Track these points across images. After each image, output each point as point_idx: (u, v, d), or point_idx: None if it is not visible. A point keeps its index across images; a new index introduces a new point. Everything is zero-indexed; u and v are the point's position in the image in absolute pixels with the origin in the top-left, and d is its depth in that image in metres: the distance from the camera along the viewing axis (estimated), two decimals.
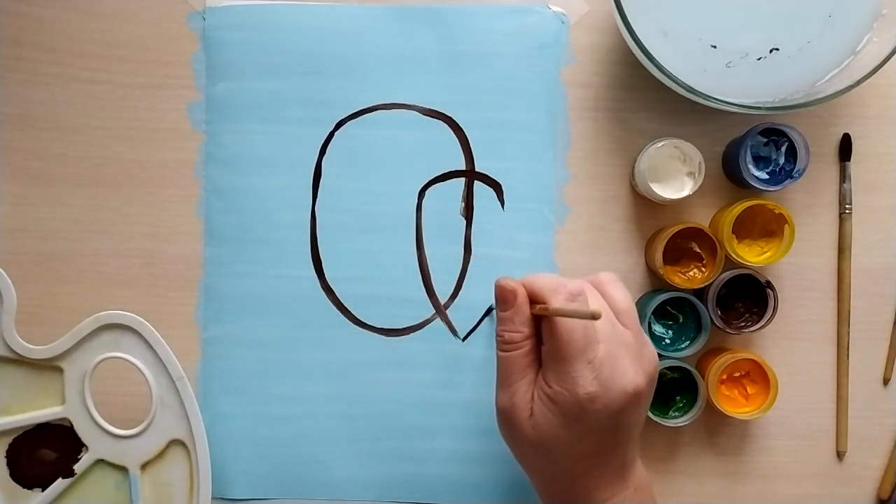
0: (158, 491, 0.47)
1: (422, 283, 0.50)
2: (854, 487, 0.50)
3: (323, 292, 0.50)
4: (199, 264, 0.50)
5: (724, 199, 0.50)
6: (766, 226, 0.48)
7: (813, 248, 0.50)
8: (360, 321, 0.50)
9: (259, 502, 0.50)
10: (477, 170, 0.50)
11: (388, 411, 0.49)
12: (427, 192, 0.50)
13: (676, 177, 0.47)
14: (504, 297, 0.41)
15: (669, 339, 0.49)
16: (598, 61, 0.50)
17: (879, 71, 0.44)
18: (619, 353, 0.39)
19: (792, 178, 0.47)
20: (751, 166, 0.47)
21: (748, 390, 0.48)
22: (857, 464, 0.50)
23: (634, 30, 0.43)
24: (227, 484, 0.49)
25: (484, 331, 0.50)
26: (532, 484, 0.43)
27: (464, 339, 0.50)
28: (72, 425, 0.46)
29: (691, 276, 0.48)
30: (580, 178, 0.50)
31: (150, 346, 0.46)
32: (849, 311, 0.49)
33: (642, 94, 0.49)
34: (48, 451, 0.47)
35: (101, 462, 0.47)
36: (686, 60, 0.47)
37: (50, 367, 0.46)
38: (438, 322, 0.49)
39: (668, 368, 0.48)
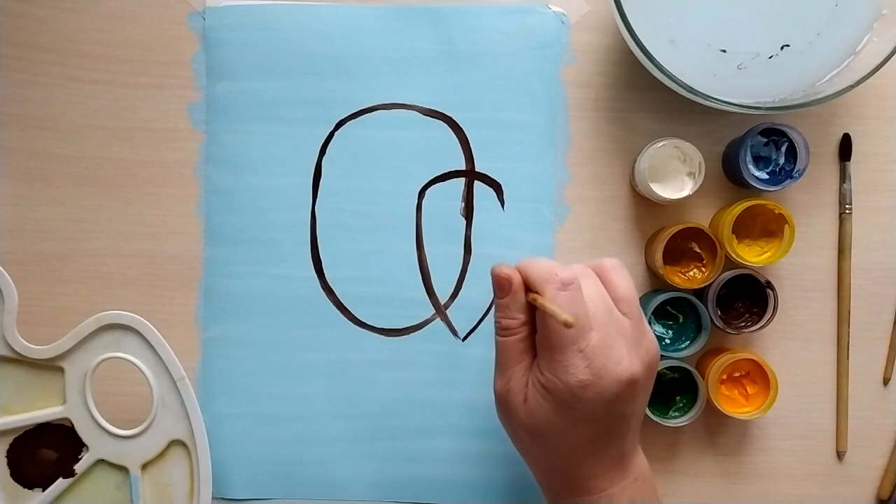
0: (159, 491, 0.47)
1: (422, 283, 0.50)
2: (854, 487, 0.50)
3: (323, 292, 0.50)
4: (199, 264, 0.50)
5: (724, 199, 0.50)
6: (766, 226, 0.48)
7: (813, 248, 0.50)
8: (360, 321, 0.50)
9: (259, 502, 0.50)
10: (477, 170, 0.50)
11: (388, 411, 0.49)
12: (427, 192, 0.50)
13: (676, 177, 0.47)
14: (500, 285, 0.41)
15: (669, 339, 0.49)
16: (598, 61, 0.50)
17: (879, 71, 0.44)
18: (614, 341, 0.39)
19: (792, 178, 0.47)
20: (751, 166, 0.47)
21: (748, 390, 0.48)
22: (857, 464, 0.50)
23: (634, 30, 0.43)
24: (227, 484, 0.49)
25: (484, 331, 0.50)
26: (531, 473, 0.43)
27: (464, 339, 0.50)
28: (72, 425, 0.46)
29: (691, 276, 0.48)
30: (580, 178, 0.50)
31: (151, 347, 0.46)
32: (849, 311, 0.49)
33: (642, 94, 0.49)
34: (49, 450, 0.47)
35: (101, 462, 0.47)
36: (695, 67, 0.47)
37: (51, 366, 0.46)
38: (438, 322, 0.50)
39: (668, 368, 0.48)
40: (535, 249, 0.49)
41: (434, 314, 0.50)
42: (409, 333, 0.50)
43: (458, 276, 0.50)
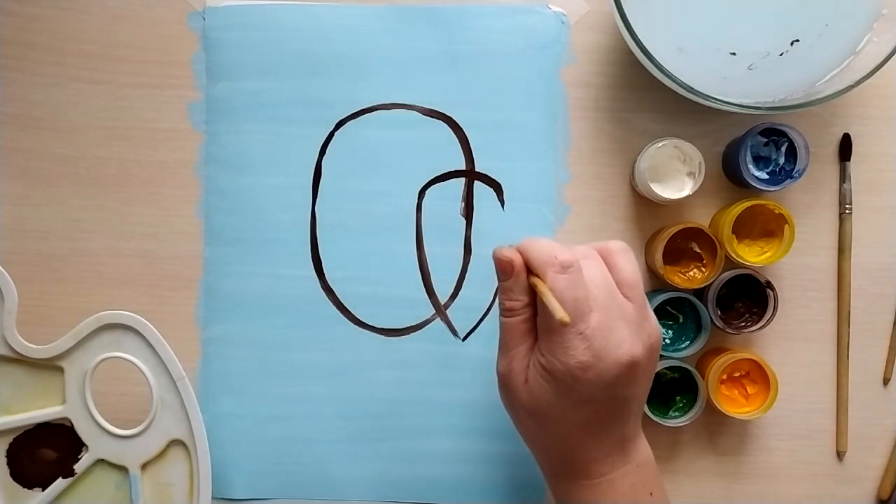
0: (158, 491, 0.47)
1: (422, 283, 0.50)
2: (854, 487, 0.50)
3: (323, 292, 0.50)
4: (199, 264, 0.50)
5: (724, 199, 0.50)
6: (766, 226, 0.48)
7: (813, 248, 0.50)
8: (360, 321, 0.50)
9: (259, 502, 0.50)
10: (477, 170, 0.50)
11: (388, 411, 0.49)
12: (427, 192, 0.50)
13: (676, 177, 0.47)
14: (502, 268, 0.41)
15: (669, 339, 0.49)
16: (598, 61, 0.50)
17: (879, 71, 0.44)
18: (615, 324, 0.39)
19: (792, 178, 0.47)
20: (751, 166, 0.47)
21: (748, 390, 0.48)
22: (857, 464, 0.50)
23: (634, 30, 0.43)
24: (227, 484, 0.49)
25: (484, 331, 0.50)
26: (533, 456, 0.43)
27: (464, 339, 0.50)
28: (72, 425, 0.46)
29: (691, 276, 0.48)
30: (580, 178, 0.50)
31: (150, 346, 0.46)
32: (849, 311, 0.49)
33: (642, 94, 0.49)
34: (48, 450, 0.47)
35: (101, 462, 0.47)
36: (705, 72, 0.47)
37: (50, 366, 0.46)
38: (438, 322, 0.50)
39: (668, 368, 0.48)
40: None
41: (434, 314, 0.50)
42: (409, 333, 0.50)
43: (458, 276, 0.50)
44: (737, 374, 0.48)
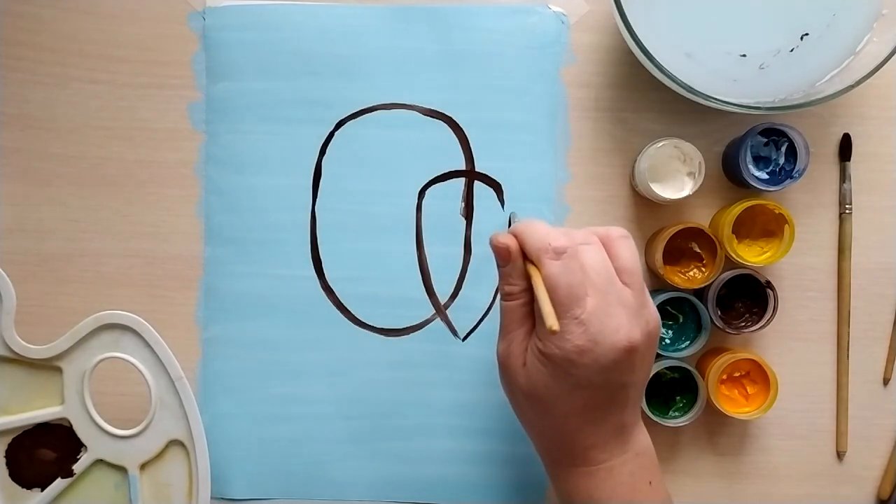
0: (157, 491, 0.47)
1: (422, 283, 0.50)
2: (854, 487, 0.50)
3: (323, 292, 0.49)
4: (199, 264, 0.50)
5: (724, 199, 0.50)
6: (766, 226, 0.48)
7: (813, 248, 0.50)
8: (360, 321, 0.49)
9: (259, 502, 0.50)
10: (477, 170, 0.50)
11: (388, 411, 0.49)
12: (427, 192, 0.50)
13: (676, 177, 0.47)
14: (499, 254, 0.41)
15: (669, 339, 0.49)
16: (598, 61, 0.50)
17: (879, 71, 0.44)
18: (613, 309, 0.39)
19: (792, 178, 0.47)
20: (751, 166, 0.47)
21: (748, 390, 0.48)
22: (857, 464, 0.50)
23: (634, 30, 0.43)
24: (227, 484, 0.49)
25: (484, 331, 0.50)
26: (532, 442, 0.43)
27: (464, 339, 0.50)
28: (71, 425, 0.46)
29: (691, 276, 0.48)
30: (580, 178, 0.50)
31: (149, 347, 0.46)
32: (849, 311, 0.49)
33: (642, 94, 0.50)
34: (47, 450, 0.47)
35: (100, 462, 0.47)
36: (714, 76, 0.47)
37: (49, 366, 0.46)
38: (438, 322, 0.49)
39: (668, 368, 0.48)
40: None
41: (434, 314, 0.50)
42: (409, 333, 0.49)
43: (458, 276, 0.50)
44: (737, 374, 0.48)
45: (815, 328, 0.50)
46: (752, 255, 0.47)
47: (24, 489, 0.47)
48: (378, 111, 0.49)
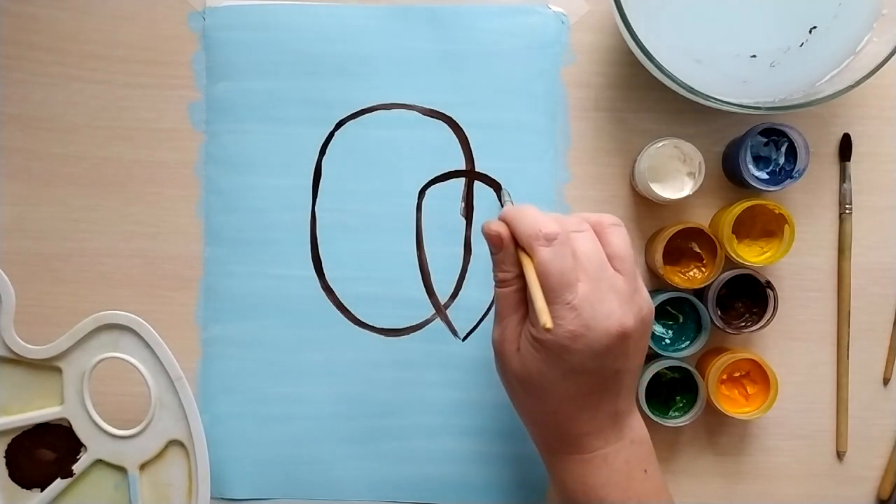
0: (157, 491, 0.47)
1: (422, 283, 0.49)
2: (854, 487, 0.50)
3: (323, 292, 0.49)
4: (199, 264, 0.50)
5: (724, 199, 0.50)
6: (766, 226, 0.48)
7: (813, 248, 0.50)
8: (360, 321, 0.49)
9: (259, 502, 0.49)
10: (477, 170, 0.50)
11: (388, 411, 0.49)
12: (427, 192, 0.50)
13: (676, 177, 0.47)
14: (491, 241, 0.41)
15: (669, 339, 0.49)
16: (598, 61, 0.50)
17: (879, 71, 0.44)
18: (605, 295, 0.39)
19: (792, 178, 0.47)
20: (751, 166, 0.47)
21: (748, 390, 0.48)
22: (857, 464, 0.50)
23: (634, 30, 0.43)
24: (227, 484, 0.49)
25: (484, 331, 0.50)
26: (526, 428, 0.43)
27: (464, 339, 0.50)
28: (70, 425, 0.46)
29: (691, 276, 0.48)
30: (580, 178, 0.50)
31: (148, 347, 0.46)
32: (849, 311, 0.49)
33: (642, 94, 0.50)
34: (47, 451, 0.47)
35: (99, 462, 0.47)
36: (724, 79, 0.47)
37: (49, 367, 0.46)
38: (438, 322, 0.49)
39: (668, 368, 0.48)
40: None
41: (434, 314, 0.50)
42: (409, 333, 0.49)
43: (458, 276, 0.50)
44: (737, 374, 0.48)
45: (815, 328, 0.50)
46: (752, 255, 0.47)
47: (24, 489, 0.47)
48: (378, 111, 0.49)
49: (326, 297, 0.49)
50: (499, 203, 0.49)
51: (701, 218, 0.50)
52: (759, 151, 0.48)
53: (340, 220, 0.50)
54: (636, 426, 0.42)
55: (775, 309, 0.47)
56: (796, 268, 0.50)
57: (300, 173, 0.49)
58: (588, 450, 0.41)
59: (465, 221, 0.50)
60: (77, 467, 0.46)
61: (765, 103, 0.46)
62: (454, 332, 0.49)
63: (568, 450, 0.41)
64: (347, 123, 0.50)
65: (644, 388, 0.47)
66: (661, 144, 0.47)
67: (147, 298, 0.50)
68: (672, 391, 0.49)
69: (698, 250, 0.48)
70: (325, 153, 0.50)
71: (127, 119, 0.50)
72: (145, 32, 0.50)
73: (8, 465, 0.47)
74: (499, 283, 0.42)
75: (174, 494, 0.47)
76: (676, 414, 0.48)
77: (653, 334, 0.48)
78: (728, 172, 0.49)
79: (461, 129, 0.49)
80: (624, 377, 0.41)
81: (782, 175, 0.47)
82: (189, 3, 0.50)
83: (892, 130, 0.50)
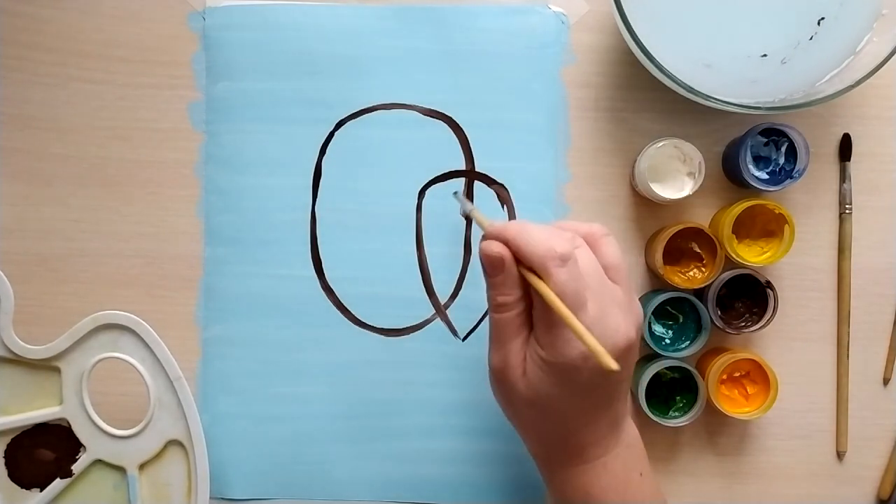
0: (156, 491, 0.47)
1: (422, 283, 0.49)
2: (854, 487, 0.50)
3: (323, 292, 0.49)
4: (199, 264, 0.50)
5: (724, 199, 0.50)
6: (766, 226, 0.48)
7: (813, 248, 0.50)
8: (360, 321, 0.49)
9: (258, 502, 0.49)
10: (477, 170, 0.50)
11: (388, 411, 0.49)
12: (427, 192, 0.50)
13: (676, 177, 0.47)
14: (491, 264, 0.39)
15: (669, 339, 0.49)
16: (598, 61, 0.50)
17: (879, 71, 0.44)
18: (609, 309, 0.39)
19: (792, 178, 0.47)
20: (751, 166, 0.47)
21: (748, 390, 0.48)
22: (857, 464, 0.50)
23: (634, 30, 0.43)
24: (227, 484, 0.49)
25: (484, 330, 0.49)
26: (525, 443, 0.43)
27: (464, 339, 0.49)
28: (70, 425, 0.46)
29: (691, 276, 0.48)
30: (580, 178, 0.50)
31: (147, 347, 0.46)
32: (849, 311, 0.49)
33: (642, 94, 0.50)
34: (46, 451, 0.47)
35: (99, 462, 0.46)
36: (734, 81, 0.47)
37: (48, 367, 0.46)
38: (438, 322, 0.49)
39: (668, 368, 0.48)
40: None
41: (434, 314, 0.49)
42: (409, 333, 0.49)
43: (458, 276, 0.50)
44: (737, 374, 0.48)
45: (815, 328, 0.50)
46: (752, 255, 0.47)
47: (23, 489, 0.47)
48: (378, 111, 0.49)
49: (326, 297, 0.49)
50: (500, 206, 0.49)
51: (701, 218, 0.50)
52: (759, 151, 0.48)
53: (340, 220, 0.50)
54: (630, 430, 0.42)
55: (775, 309, 0.47)
56: (796, 268, 0.50)
57: (300, 173, 0.49)
58: (590, 459, 0.41)
59: (465, 221, 0.50)
60: (76, 467, 0.46)
61: (765, 103, 0.46)
62: (454, 332, 0.49)
63: (570, 461, 0.41)
64: (347, 123, 0.50)
65: (644, 388, 0.47)
66: (661, 144, 0.47)
67: (147, 298, 0.50)
68: (672, 391, 0.49)
69: (698, 250, 0.48)
70: (325, 153, 0.50)
71: (127, 119, 0.50)
72: (145, 32, 0.50)
73: (7, 465, 0.47)
74: (498, 309, 0.40)
75: (173, 494, 0.47)
76: (676, 414, 0.48)
77: (653, 334, 0.48)
78: (728, 172, 0.49)
79: (461, 129, 0.49)
80: (623, 383, 0.41)
81: (782, 175, 0.47)
82: (189, 3, 0.50)
83: (892, 130, 0.50)
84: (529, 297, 0.40)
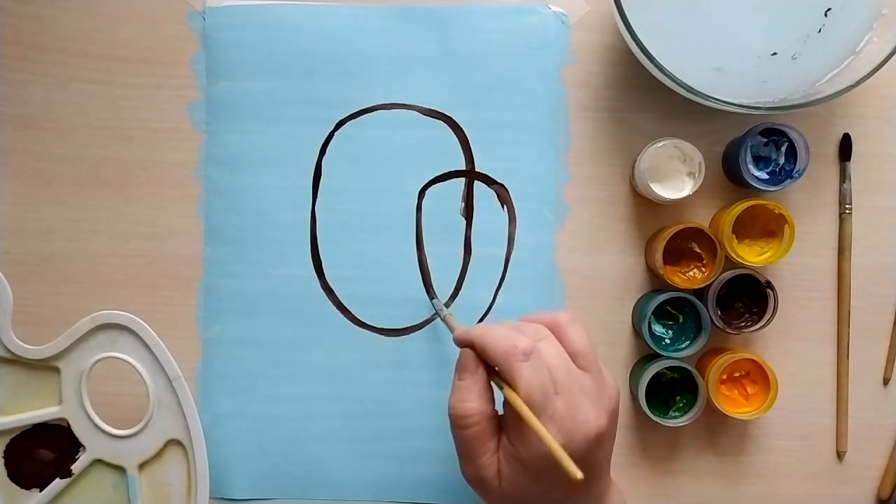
0: (156, 491, 0.47)
1: (422, 283, 0.49)
2: (854, 487, 0.50)
3: (323, 292, 0.49)
4: (199, 264, 0.50)
5: (724, 199, 0.50)
6: (766, 226, 0.48)
7: (813, 248, 0.50)
8: (360, 321, 0.49)
9: (258, 502, 0.49)
10: (477, 170, 0.50)
11: (388, 411, 0.49)
12: (427, 192, 0.50)
13: (676, 177, 0.47)
14: (464, 365, 0.40)
15: (669, 339, 0.49)
16: (598, 61, 0.50)
17: (879, 71, 0.44)
18: (577, 399, 0.38)
19: (792, 178, 0.47)
20: (751, 166, 0.47)
21: (748, 390, 0.48)
22: (857, 464, 0.50)
23: (634, 30, 0.43)
24: (227, 484, 0.49)
25: None
26: None
27: None
28: (69, 425, 0.46)
29: (691, 276, 0.48)
30: (580, 178, 0.50)
31: (146, 346, 0.46)
32: (849, 311, 0.49)
33: (642, 94, 0.50)
34: (46, 451, 0.47)
35: (98, 462, 0.46)
36: (744, 83, 0.47)
37: (47, 367, 0.46)
38: (438, 322, 0.49)
39: (668, 368, 0.48)
40: (535, 249, 0.49)
41: (434, 314, 0.49)
42: (409, 333, 0.49)
43: (458, 276, 0.50)
44: (737, 374, 0.48)
45: (815, 328, 0.50)
46: (752, 255, 0.47)
47: (23, 489, 0.47)
48: (378, 111, 0.49)
49: (326, 297, 0.49)
50: (501, 206, 0.49)
51: (701, 218, 0.50)
52: (759, 151, 0.48)
53: (340, 220, 0.49)
54: (615, 497, 0.42)
55: (775, 309, 0.47)
56: (796, 268, 0.50)
57: (300, 173, 0.49)
58: None
59: (465, 221, 0.50)
60: (76, 467, 0.46)
61: (765, 103, 0.46)
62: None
63: None
64: (347, 123, 0.50)
65: (644, 388, 0.47)
66: (661, 144, 0.47)
67: (147, 298, 0.50)
68: (672, 391, 0.49)
69: (698, 250, 0.48)
70: (325, 153, 0.50)
71: (127, 119, 0.50)
72: (145, 32, 0.50)
73: (7, 465, 0.47)
74: (462, 424, 0.39)
75: (173, 494, 0.46)
76: (676, 414, 0.48)
77: (653, 334, 0.48)
78: (728, 172, 0.49)
79: (461, 129, 0.49)
80: (602, 464, 0.41)
81: (782, 175, 0.47)
82: (189, 3, 0.50)
83: (892, 130, 0.50)
84: (493, 401, 0.40)
